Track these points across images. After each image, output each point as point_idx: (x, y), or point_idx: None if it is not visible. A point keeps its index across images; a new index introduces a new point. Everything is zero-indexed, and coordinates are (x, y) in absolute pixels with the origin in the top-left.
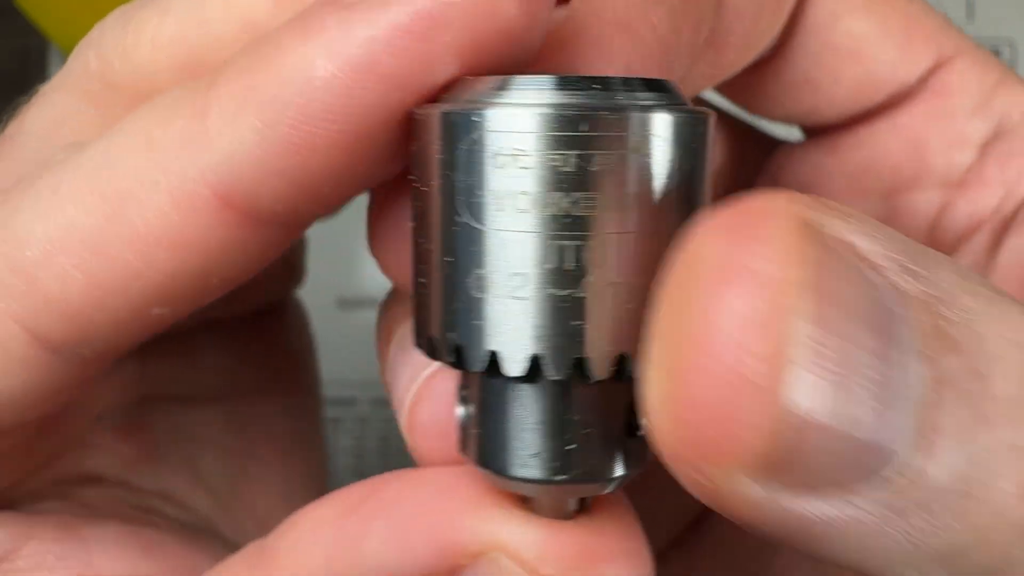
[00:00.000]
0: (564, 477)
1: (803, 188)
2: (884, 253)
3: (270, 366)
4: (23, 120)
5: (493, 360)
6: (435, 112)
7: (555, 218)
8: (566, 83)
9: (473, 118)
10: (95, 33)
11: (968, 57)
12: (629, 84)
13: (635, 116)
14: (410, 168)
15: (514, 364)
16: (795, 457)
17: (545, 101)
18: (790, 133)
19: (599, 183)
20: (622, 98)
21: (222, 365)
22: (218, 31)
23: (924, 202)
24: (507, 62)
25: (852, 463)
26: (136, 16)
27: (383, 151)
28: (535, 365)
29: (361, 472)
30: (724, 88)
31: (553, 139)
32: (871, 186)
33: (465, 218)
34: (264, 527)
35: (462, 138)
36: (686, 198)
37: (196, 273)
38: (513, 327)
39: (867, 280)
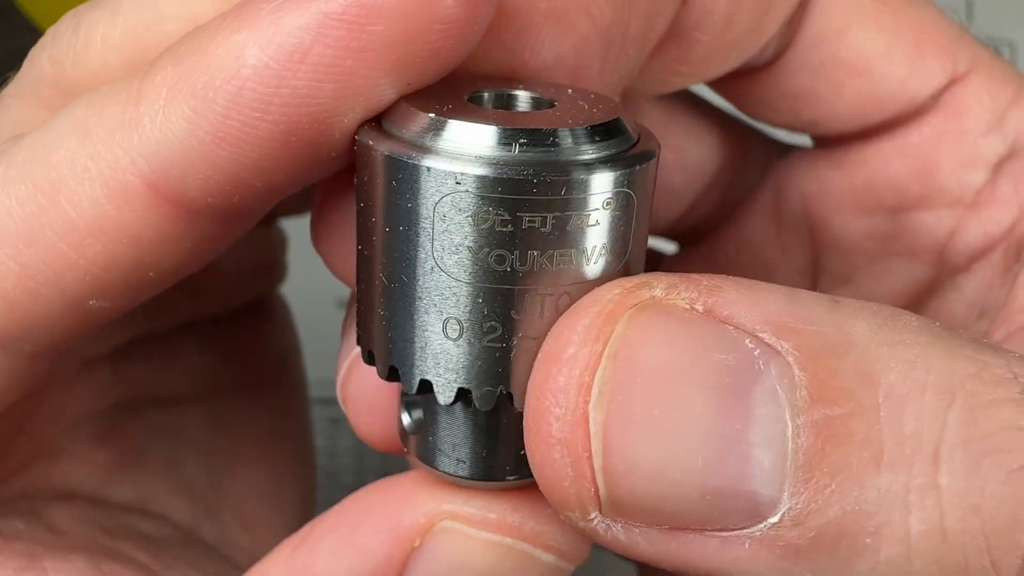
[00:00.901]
0: (487, 478)
1: (808, 200)
2: (756, 316)
3: (253, 364)
4: None
5: (424, 385)
6: (377, 150)
7: (489, 271)
8: (506, 136)
9: (412, 162)
10: (48, 37)
11: (984, 71)
12: (575, 136)
13: (575, 179)
14: (356, 186)
15: (445, 395)
16: (637, 503)
17: (483, 154)
18: (797, 136)
19: (534, 242)
20: (564, 153)
21: (203, 364)
22: (168, 29)
23: (934, 221)
24: (446, 58)
25: (712, 507)
26: (87, 16)
27: (317, 150)
28: (463, 395)
29: (360, 472)
30: (723, 91)
31: (490, 199)
32: (877, 203)
33: (407, 253)
34: (251, 529)
35: (403, 182)
36: (621, 250)
37: (131, 264)
38: (444, 363)
39: (708, 346)
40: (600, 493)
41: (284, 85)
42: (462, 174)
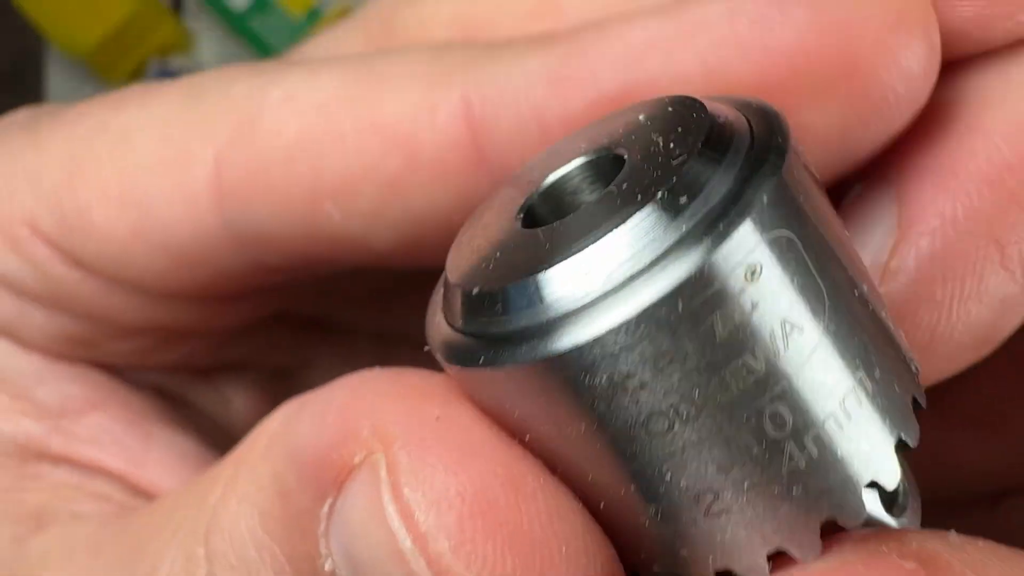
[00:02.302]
0: None
1: None
2: None
3: None
4: (307, 46)
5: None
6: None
7: (651, 440)
8: (535, 287)
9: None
10: None
11: None
12: (658, 211)
13: (679, 286)
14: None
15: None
16: None
17: (526, 326)
18: None
19: (673, 381)
20: (645, 251)
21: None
22: (490, 7)
23: None
24: None
25: None
26: None
27: None
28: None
29: None
30: None
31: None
32: None
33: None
34: None
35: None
36: (817, 303)
37: (388, 179)
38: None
39: None
40: None
41: None
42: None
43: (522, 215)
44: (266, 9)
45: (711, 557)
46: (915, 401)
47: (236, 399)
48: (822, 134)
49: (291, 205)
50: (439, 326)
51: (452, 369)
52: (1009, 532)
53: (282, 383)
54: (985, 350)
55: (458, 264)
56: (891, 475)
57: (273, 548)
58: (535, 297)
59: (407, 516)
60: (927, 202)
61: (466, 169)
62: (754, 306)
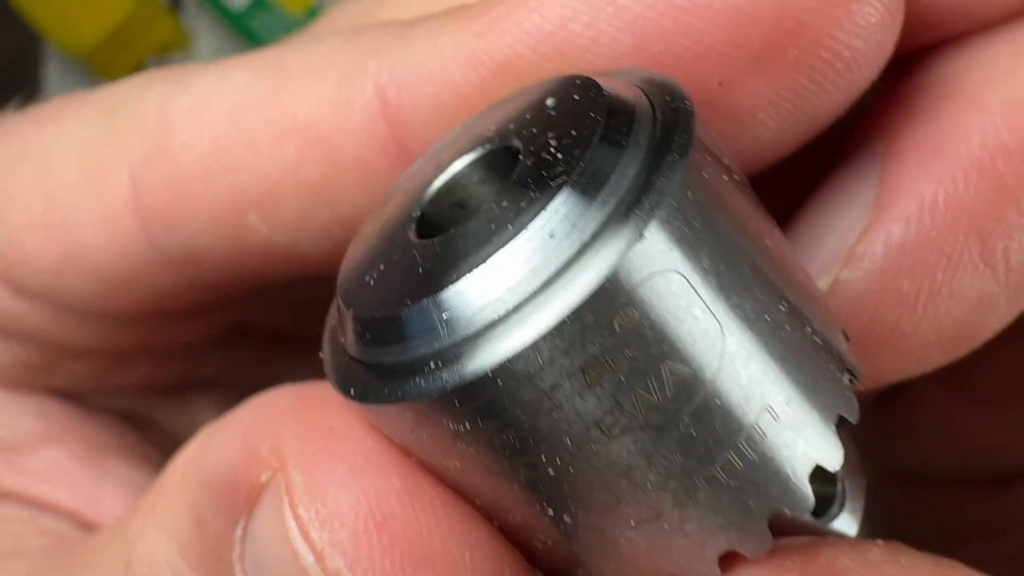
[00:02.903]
0: None
1: None
2: None
3: None
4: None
5: None
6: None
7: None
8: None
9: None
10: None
11: None
12: (557, 215)
13: (583, 303)
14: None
15: None
16: None
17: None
18: None
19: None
20: (540, 266)
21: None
22: None
23: None
24: None
25: None
26: None
27: None
28: None
29: None
30: None
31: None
32: None
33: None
34: None
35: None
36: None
37: (318, 176)
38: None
39: None
40: None
41: None
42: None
43: (414, 224)
44: (265, 8)
45: (651, 567)
46: (842, 417)
47: (205, 416)
48: (773, 105)
49: (214, 220)
50: (336, 355)
51: (352, 404)
52: (1018, 513)
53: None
54: (957, 352)
55: (350, 286)
56: (804, 500)
57: None
58: (434, 319)
59: (305, 535)
60: (908, 183)
61: (389, 165)
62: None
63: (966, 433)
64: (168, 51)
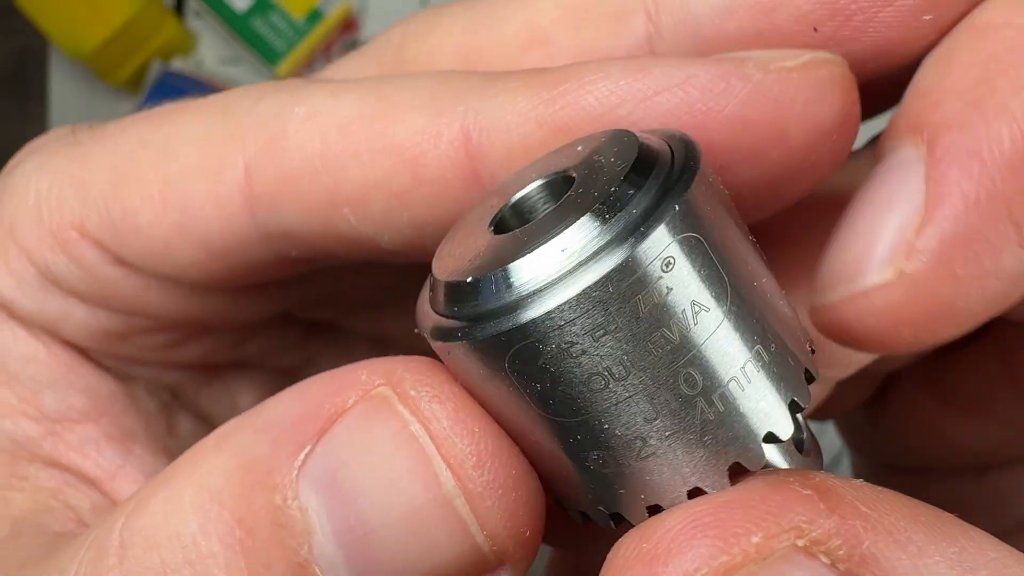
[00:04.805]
0: None
1: None
2: None
3: None
4: (325, 71)
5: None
6: (459, 341)
7: (596, 398)
8: (506, 279)
9: (453, 342)
10: (407, 19)
11: None
12: (599, 215)
13: (609, 273)
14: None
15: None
16: None
17: (497, 306)
18: None
19: (612, 349)
20: (588, 245)
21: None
22: (501, 30)
23: None
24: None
25: None
26: (441, 14)
27: None
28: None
29: None
30: None
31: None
32: None
33: (525, 424)
34: None
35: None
36: (720, 290)
37: (400, 188)
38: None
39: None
40: None
41: None
42: (495, 336)
43: (493, 225)
44: (268, 10)
45: (642, 495)
46: (808, 373)
47: (242, 398)
48: (754, 186)
49: (312, 209)
50: (427, 312)
51: (436, 344)
52: (992, 497)
53: (286, 381)
54: (995, 315)
55: (443, 263)
56: (785, 429)
57: (223, 514)
58: (501, 285)
59: (439, 443)
60: (953, 185)
61: (463, 186)
62: (669, 290)
63: (947, 431)
64: (171, 54)
